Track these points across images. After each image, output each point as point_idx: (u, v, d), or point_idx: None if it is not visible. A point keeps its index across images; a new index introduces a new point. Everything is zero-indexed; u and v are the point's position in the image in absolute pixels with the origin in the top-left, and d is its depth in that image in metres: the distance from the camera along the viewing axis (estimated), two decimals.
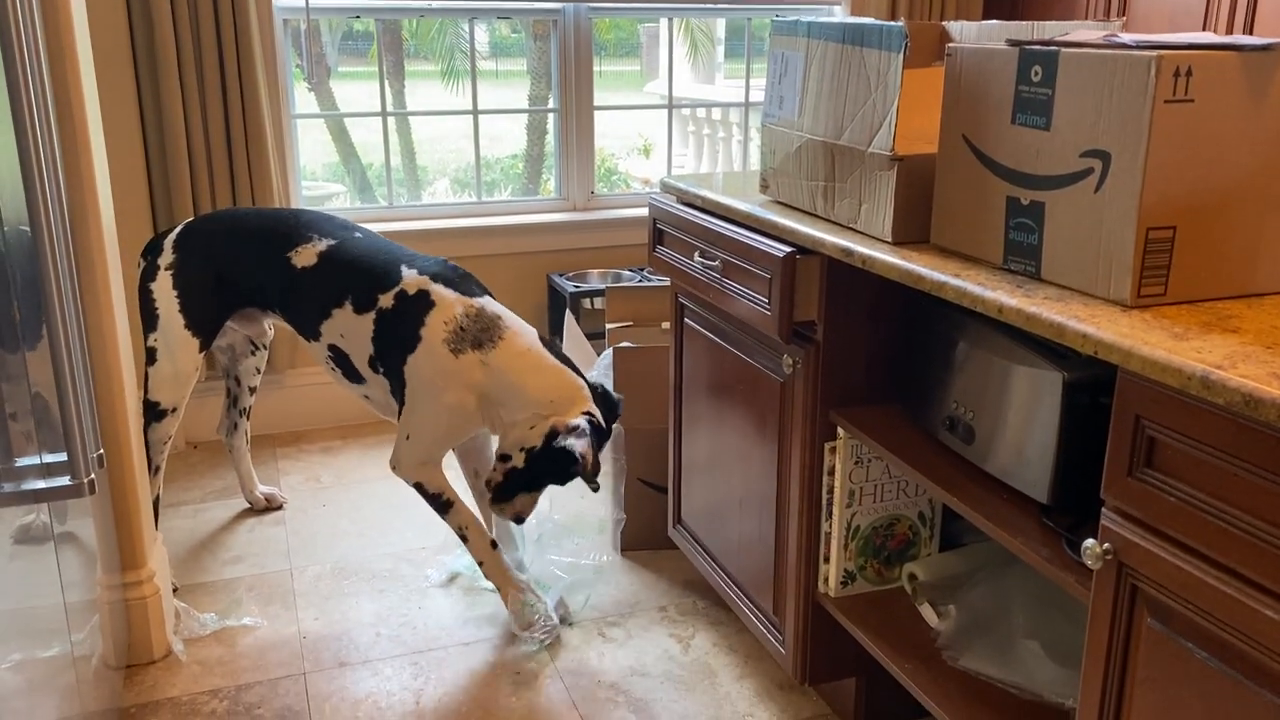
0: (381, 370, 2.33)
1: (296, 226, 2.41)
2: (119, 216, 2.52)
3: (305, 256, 2.37)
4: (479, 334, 2.26)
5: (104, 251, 2.03)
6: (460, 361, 2.24)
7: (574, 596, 2.48)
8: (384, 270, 2.33)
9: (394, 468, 2.35)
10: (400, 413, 2.32)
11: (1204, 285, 1.31)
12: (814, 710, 2.10)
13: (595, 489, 2.32)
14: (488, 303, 2.32)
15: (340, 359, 2.38)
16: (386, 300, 2.30)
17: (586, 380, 2.32)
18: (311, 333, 2.39)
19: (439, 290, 2.29)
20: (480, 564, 2.36)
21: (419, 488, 2.34)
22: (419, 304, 2.28)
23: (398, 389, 2.32)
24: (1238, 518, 1.09)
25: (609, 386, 2.57)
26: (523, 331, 2.31)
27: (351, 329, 2.33)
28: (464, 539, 2.36)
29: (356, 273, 2.34)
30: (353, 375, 2.39)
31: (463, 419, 2.29)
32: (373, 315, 2.30)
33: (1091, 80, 1.31)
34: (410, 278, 2.31)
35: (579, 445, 2.19)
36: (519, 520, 2.38)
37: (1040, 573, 1.41)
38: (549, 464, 2.25)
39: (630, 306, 2.85)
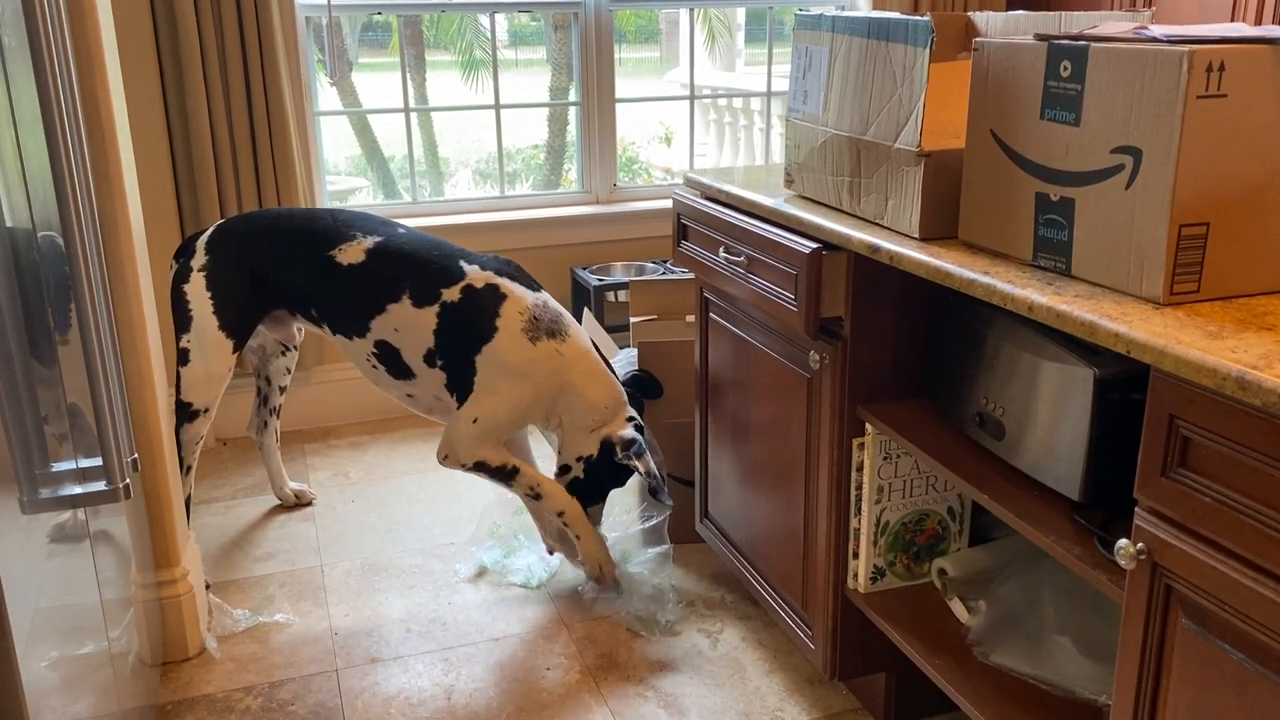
0: (440, 364, 2.35)
1: (335, 225, 2.43)
2: (146, 218, 2.54)
3: (351, 254, 2.38)
4: (551, 323, 2.35)
5: (133, 254, 2.05)
6: (539, 349, 2.32)
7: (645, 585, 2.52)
8: (442, 265, 2.38)
9: (445, 457, 2.38)
10: (460, 403, 2.35)
11: (1238, 282, 1.30)
12: (844, 705, 2.11)
13: (668, 506, 2.46)
14: (549, 298, 2.41)
15: (388, 355, 2.40)
16: (452, 294, 2.33)
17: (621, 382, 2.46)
18: (357, 330, 2.40)
19: (507, 284, 2.37)
20: (560, 514, 2.41)
21: (480, 466, 2.37)
22: (490, 297, 2.34)
23: (460, 380, 2.34)
24: (1274, 519, 1.08)
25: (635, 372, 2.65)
26: (580, 329, 2.42)
27: (408, 323, 2.35)
28: (538, 497, 2.40)
29: (412, 267, 2.37)
30: (400, 371, 2.41)
31: (536, 403, 2.36)
32: (436, 309, 2.34)
33: (1122, 76, 1.30)
34: (474, 272, 2.37)
35: (641, 465, 2.34)
36: None
37: (1072, 570, 1.40)
38: (609, 475, 2.40)
39: (654, 300, 2.84)
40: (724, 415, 2.29)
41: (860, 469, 1.88)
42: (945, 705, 2.03)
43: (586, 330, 3.00)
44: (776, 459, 2.07)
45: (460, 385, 2.35)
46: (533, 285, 2.41)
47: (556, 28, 4.56)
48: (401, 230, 2.46)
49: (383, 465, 3.22)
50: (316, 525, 2.86)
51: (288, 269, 2.43)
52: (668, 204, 3.67)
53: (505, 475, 2.38)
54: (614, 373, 2.43)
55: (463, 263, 2.38)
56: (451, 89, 6.63)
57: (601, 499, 2.48)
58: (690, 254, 2.24)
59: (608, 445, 2.37)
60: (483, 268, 2.38)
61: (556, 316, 2.38)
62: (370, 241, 2.40)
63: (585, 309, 3.18)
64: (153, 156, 3.08)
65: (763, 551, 2.18)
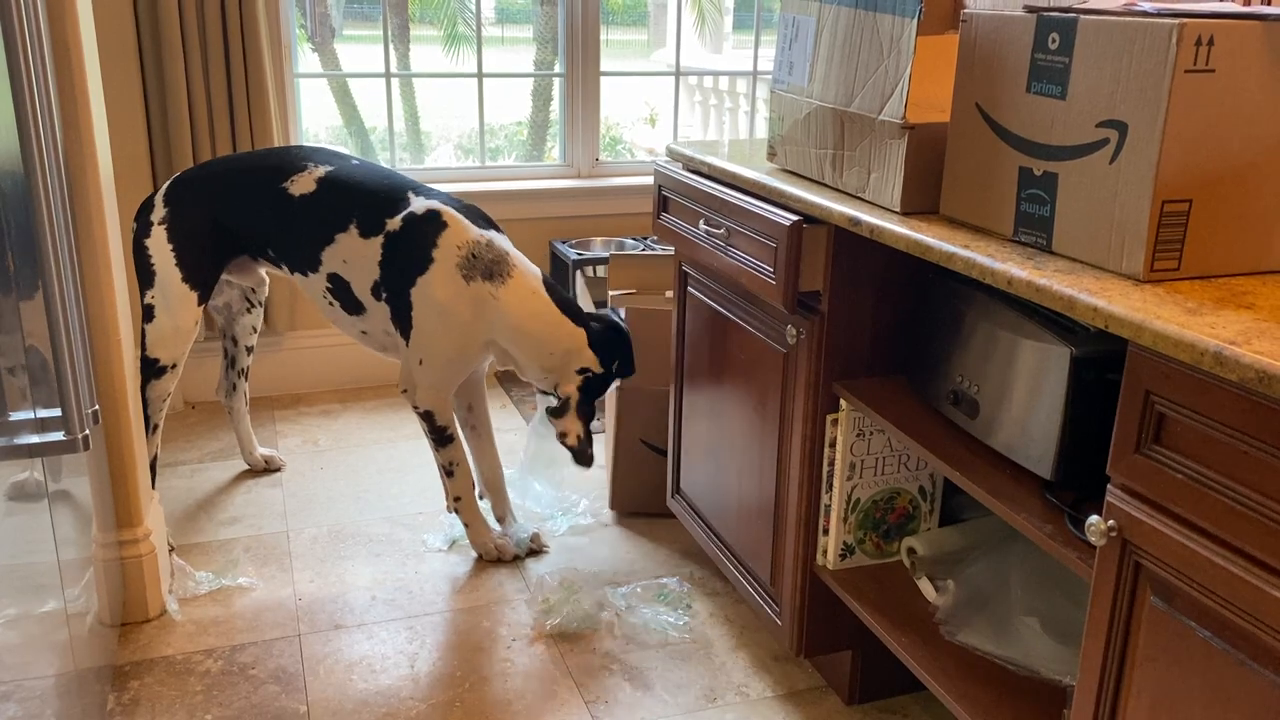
0: (385, 296, 2.33)
1: (288, 157, 2.40)
2: (118, 173, 2.49)
3: (303, 184, 2.34)
4: (490, 265, 2.29)
5: (102, 205, 2.00)
6: (472, 288, 2.27)
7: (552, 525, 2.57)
8: (389, 195, 2.34)
9: (405, 391, 2.38)
10: (406, 340, 2.33)
11: (1219, 261, 1.29)
12: (809, 682, 2.10)
13: (587, 464, 2.40)
14: (496, 237, 2.34)
15: (340, 289, 2.37)
16: (394, 224, 2.30)
17: (586, 324, 2.37)
18: (310, 263, 2.37)
19: (450, 212, 2.31)
20: (457, 499, 2.47)
21: (428, 416, 2.38)
22: (430, 225, 2.28)
23: (401, 315, 2.31)
24: (1247, 496, 1.07)
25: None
26: (530, 271, 2.35)
27: (356, 254, 2.32)
28: (449, 474, 2.44)
29: (361, 197, 2.33)
30: (352, 306, 2.38)
31: (474, 344, 2.32)
32: (380, 239, 2.30)
33: (1110, 49, 1.28)
34: (419, 202, 2.32)
35: (557, 425, 2.33)
36: (582, 451, 2.43)
37: (1042, 549, 1.39)
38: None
39: (633, 275, 2.82)
40: (699, 389, 2.28)
41: (833, 445, 1.87)
42: (908, 685, 2.03)
43: (579, 298, 2.98)
44: (749, 434, 2.06)
45: (401, 320, 2.32)
46: (482, 223, 2.33)
47: (543, 2, 4.51)
48: (355, 161, 2.42)
49: (353, 434, 3.19)
50: (284, 491, 2.82)
51: (244, 207, 2.39)
52: (649, 180, 3.63)
53: (441, 438, 2.40)
54: (574, 315, 2.34)
55: (410, 193, 2.34)
56: (435, 63, 6.56)
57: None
58: (670, 226, 2.21)
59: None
60: (429, 198, 2.33)
61: (501, 257, 2.29)
62: (321, 171, 2.36)
63: (579, 274, 3.16)
64: (127, 110, 3.03)
65: (733, 527, 2.17)
